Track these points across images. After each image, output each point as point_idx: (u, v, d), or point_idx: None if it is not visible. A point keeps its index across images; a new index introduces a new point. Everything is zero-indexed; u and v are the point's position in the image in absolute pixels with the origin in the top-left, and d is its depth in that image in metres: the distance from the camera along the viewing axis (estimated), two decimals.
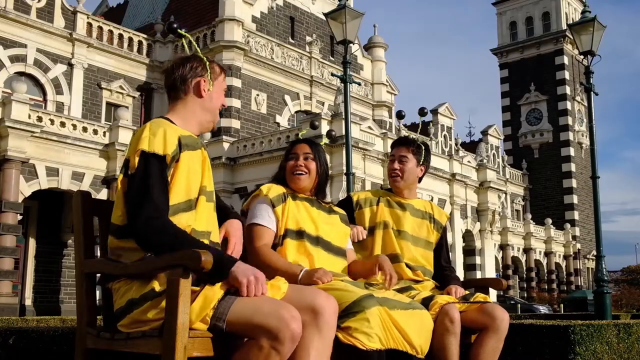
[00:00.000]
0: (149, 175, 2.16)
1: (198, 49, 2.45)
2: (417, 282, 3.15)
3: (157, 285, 2.12)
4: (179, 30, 2.50)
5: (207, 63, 2.42)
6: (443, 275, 3.28)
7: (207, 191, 2.34)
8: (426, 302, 2.74)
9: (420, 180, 3.40)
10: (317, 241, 2.74)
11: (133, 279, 2.18)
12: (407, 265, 3.16)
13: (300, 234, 2.70)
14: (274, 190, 2.78)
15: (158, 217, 2.12)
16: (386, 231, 3.21)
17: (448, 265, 3.37)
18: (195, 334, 2.01)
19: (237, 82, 27.05)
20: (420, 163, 3.35)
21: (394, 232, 3.21)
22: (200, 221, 2.29)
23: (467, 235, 29.70)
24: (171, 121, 2.34)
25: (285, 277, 2.44)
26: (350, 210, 3.24)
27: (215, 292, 2.06)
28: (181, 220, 2.21)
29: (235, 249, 2.44)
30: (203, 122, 2.43)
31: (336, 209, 2.97)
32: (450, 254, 3.56)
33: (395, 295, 2.54)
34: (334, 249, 2.79)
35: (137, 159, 2.19)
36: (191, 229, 2.24)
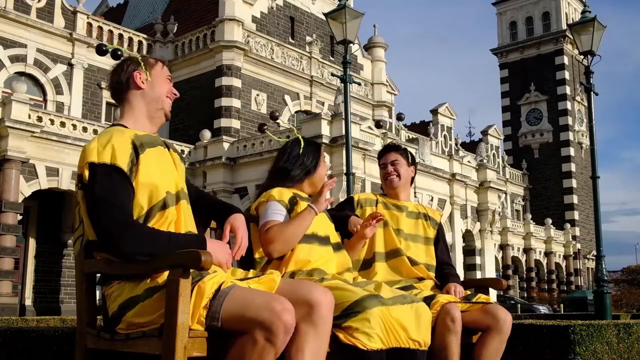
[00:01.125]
0: (106, 185, 2.13)
1: (129, 51, 2.48)
2: (419, 279, 3.18)
3: (148, 287, 2.11)
4: (104, 49, 2.53)
5: (139, 58, 2.42)
6: (442, 274, 3.31)
7: (183, 191, 2.35)
8: (427, 302, 2.75)
9: (412, 181, 3.51)
10: (327, 241, 2.78)
11: (125, 283, 2.17)
12: (408, 258, 3.20)
13: (313, 237, 2.73)
14: (285, 194, 2.78)
15: (131, 221, 2.11)
16: (386, 229, 3.28)
17: (447, 263, 3.41)
18: (195, 334, 2.00)
19: (237, 82, 27.04)
20: (410, 163, 3.47)
21: (394, 231, 3.28)
22: (181, 221, 2.30)
23: (467, 235, 29.68)
24: (124, 126, 2.33)
25: (305, 225, 2.59)
26: (351, 209, 3.33)
27: (205, 291, 2.04)
28: (167, 218, 2.23)
29: (242, 243, 2.42)
30: (151, 113, 2.42)
31: None
32: (450, 252, 3.61)
33: (393, 292, 2.55)
34: (339, 246, 2.86)
35: (87, 172, 2.16)
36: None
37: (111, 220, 2.09)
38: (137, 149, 2.22)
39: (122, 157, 2.18)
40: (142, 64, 2.40)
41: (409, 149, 3.77)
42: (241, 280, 2.19)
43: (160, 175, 2.25)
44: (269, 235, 2.60)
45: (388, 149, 3.54)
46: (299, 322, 2.05)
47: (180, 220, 2.28)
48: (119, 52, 2.49)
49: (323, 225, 2.82)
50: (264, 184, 2.91)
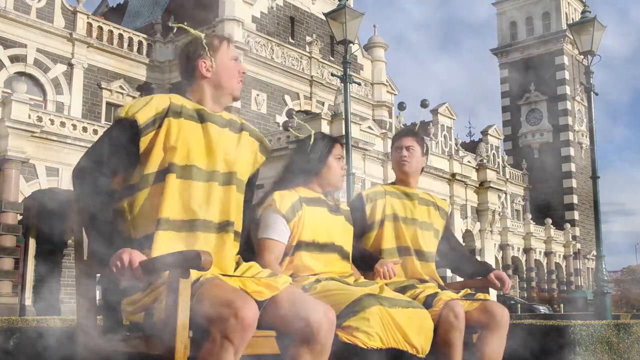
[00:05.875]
0: (105, 134, 2.20)
1: (191, 29, 2.37)
2: (422, 281, 3.14)
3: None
4: (172, 25, 2.52)
5: (203, 40, 2.34)
6: (466, 260, 3.37)
7: (221, 174, 2.25)
8: (430, 299, 2.74)
9: (421, 171, 3.44)
10: (330, 248, 2.72)
11: None
12: (417, 255, 3.17)
13: (314, 245, 2.68)
14: (287, 200, 2.68)
15: (87, 167, 2.13)
16: (397, 223, 3.20)
17: (463, 248, 3.45)
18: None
19: None
20: (424, 153, 3.41)
21: (407, 222, 3.21)
22: (173, 201, 2.14)
23: (467, 235, 29.68)
24: (187, 98, 2.32)
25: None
26: (361, 207, 3.22)
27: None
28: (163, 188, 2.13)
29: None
30: (219, 98, 2.36)
31: (342, 205, 2.94)
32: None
33: (395, 295, 2.54)
34: (344, 252, 2.79)
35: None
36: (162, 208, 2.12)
37: (80, 159, 2.17)
38: (169, 113, 2.19)
39: (145, 112, 2.17)
40: (207, 49, 2.33)
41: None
42: (239, 276, 2.14)
43: (173, 147, 2.17)
44: (267, 265, 2.53)
45: (405, 132, 3.43)
46: (298, 338, 2.04)
47: (192, 196, 2.17)
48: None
49: (331, 230, 2.75)
50: (274, 181, 2.82)
